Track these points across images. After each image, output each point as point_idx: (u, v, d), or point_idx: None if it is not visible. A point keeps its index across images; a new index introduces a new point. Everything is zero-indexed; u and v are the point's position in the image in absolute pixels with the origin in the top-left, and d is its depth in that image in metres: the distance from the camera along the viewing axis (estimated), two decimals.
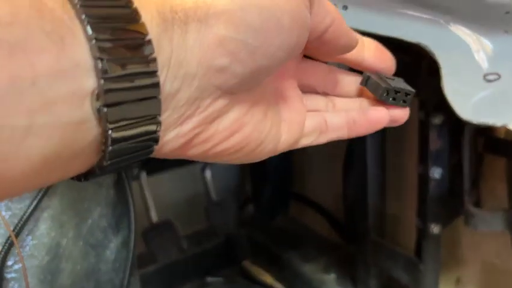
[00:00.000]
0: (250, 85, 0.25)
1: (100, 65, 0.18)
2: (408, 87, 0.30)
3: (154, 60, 0.20)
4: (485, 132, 0.66)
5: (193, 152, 0.25)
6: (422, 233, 0.71)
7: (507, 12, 0.37)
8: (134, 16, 0.20)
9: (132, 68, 0.19)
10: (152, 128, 0.21)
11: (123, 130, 0.19)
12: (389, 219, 0.87)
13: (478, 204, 0.70)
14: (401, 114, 0.32)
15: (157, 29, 0.20)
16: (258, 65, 0.23)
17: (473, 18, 0.38)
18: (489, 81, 0.39)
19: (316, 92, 0.33)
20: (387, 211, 0.84)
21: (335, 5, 0.36)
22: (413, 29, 0.38)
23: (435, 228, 0.69)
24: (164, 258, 0.89)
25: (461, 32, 0.38)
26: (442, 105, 0.40)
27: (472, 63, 0.39)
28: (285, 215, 1.18)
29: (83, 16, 0.18)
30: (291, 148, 0.30)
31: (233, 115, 0.25)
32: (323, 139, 0.31)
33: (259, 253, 1.08)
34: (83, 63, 0.18)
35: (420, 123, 0.66)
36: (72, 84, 0.18)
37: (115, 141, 0.19)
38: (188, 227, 1.13)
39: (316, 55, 0.31)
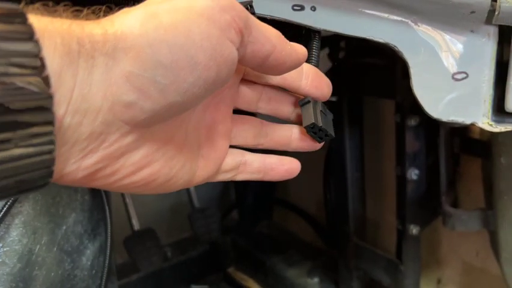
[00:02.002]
0: (163, 120, 0.24)
1: None
2: (331, 131, 0.32)
3: (51, 97, 0.19)
4: (460, 133, 0.67)
5: (96, 184, 0.24)
6: (402, 235, 0.71)
7: (472, 12, 0.37)
8: (32, 50, 0.18)
9: (20, 106, 0.18)
10: (42, 164, 0.19)
11: (6, 165, 0.18)
12: (370, 222, 0.87)
13: (455, 204, 0.71)
14: (312, 147, 0.33)
15: (59, 61, 0.19)
16: (170, 102, 0.22)
17: (439, 18, 0.38)
18: (457, 80, 0.40)
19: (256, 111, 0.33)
20: (367, 214, 0.85)
21: (303, 6, 0.36)
22: (381, 29, 0.38)
23: (414, 230, 0.69)
24: (147, 266, 0.88)
25: (429, 32, 0.39)
26: (417, 107, 0.41)
27: (440, 63, 0.39)
28: (268, 220, 1.18)
29: None
30: (208, 181, 0.30)
31: (142, 152, 0.24)
32: (240, 178, 0.32)
33: (244, 259, 1.07)
34: None
35: (396, 126, 0.67)
36: None
37: None
38: (172, 235, 1.12)
39: (264, 74, 0.31)
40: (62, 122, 0.20)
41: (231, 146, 0.32)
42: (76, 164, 0.22)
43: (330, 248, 0.98)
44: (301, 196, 1.09)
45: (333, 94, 0.34)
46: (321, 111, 0.31)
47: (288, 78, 0.31)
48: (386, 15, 0.38)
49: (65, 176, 0.22)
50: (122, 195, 0.93)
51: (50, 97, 0.19)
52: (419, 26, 0.39)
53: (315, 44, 0.37)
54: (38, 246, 0.42)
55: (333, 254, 0.90)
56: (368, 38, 0.38)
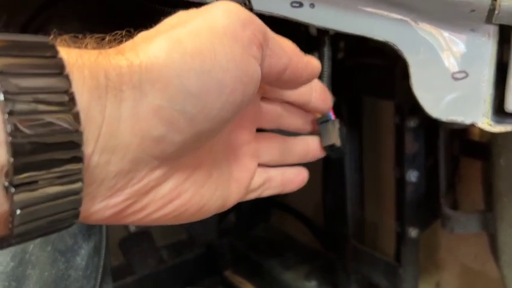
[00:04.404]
0: (192, 149, 0.23)
1: (11, 140, 0.16)
2: (345, 149, 0.34)
3: (80, 134, 0.18)
4: (460, 135, 0.66)
5: (126, 221, 0.23)
6: (401, 237, 0.71)
7: (472, 10, 0.37)
8: (62, 85, 0.17)
9: (51, 145, 0.17)
10: (71, 204, 0.19)
11: (34, 208, 0.17)
12: (369, 225, 0.87)
13: (455, 206, 0.70)
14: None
15: (88, 96, 0.18)
16: (198, 130, 0.21)
17: (439, 16, 0.38)
18: (457, 79, 0.39)
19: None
20: (366, 216, 0.84)
21: (302, 3, 0.36)
22: (380, 27, 0.38)
23: (413, 232, 0.69)
24: (142, 268, 0.88)
25: (429, 30, 0.39)
26: (417, 109, 0.40)
27: (440, 62, 0.39)
28: (266, 223, 1.18)
29: None
30: (238, 201, 0.30)
31: (171, 183, 0.23)
32: (266, 194, 0.32)
33: (241, 262, 1.07)
34: None
35: (396, 127, 0.67)
36: None
37: (24, 220, 0.17)
38: (168, 237, 1.12)
39: (280, 89, 0.30)
40: (90, 161, 0.19)
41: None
42: (103, 203, 0.21)
43: (328, 251, 0.97)
44: (299, 199, 1.08)
45: (332, 95, 0.34)
46: (339, 126, 0.32)
47: (302, 93, 0.30)
48: (385, 13, 0.38)
49: (93, 215, 0.21)
50: None
51: (80, 135, 0.18)
52: (418, 24, 0.38)
53: (326, 53, 0.37)
54: (31, 245, 0.41)
55: (331, 257, 0.90)
56: (367, 36, 0.38)
